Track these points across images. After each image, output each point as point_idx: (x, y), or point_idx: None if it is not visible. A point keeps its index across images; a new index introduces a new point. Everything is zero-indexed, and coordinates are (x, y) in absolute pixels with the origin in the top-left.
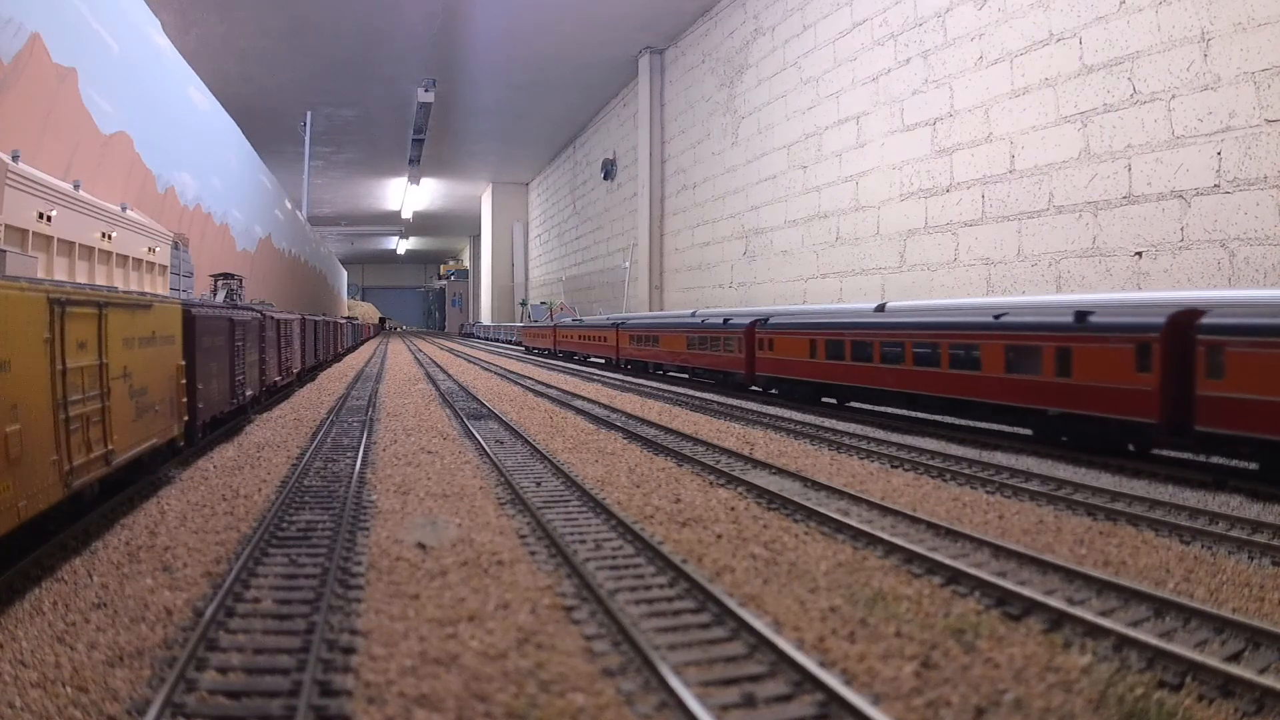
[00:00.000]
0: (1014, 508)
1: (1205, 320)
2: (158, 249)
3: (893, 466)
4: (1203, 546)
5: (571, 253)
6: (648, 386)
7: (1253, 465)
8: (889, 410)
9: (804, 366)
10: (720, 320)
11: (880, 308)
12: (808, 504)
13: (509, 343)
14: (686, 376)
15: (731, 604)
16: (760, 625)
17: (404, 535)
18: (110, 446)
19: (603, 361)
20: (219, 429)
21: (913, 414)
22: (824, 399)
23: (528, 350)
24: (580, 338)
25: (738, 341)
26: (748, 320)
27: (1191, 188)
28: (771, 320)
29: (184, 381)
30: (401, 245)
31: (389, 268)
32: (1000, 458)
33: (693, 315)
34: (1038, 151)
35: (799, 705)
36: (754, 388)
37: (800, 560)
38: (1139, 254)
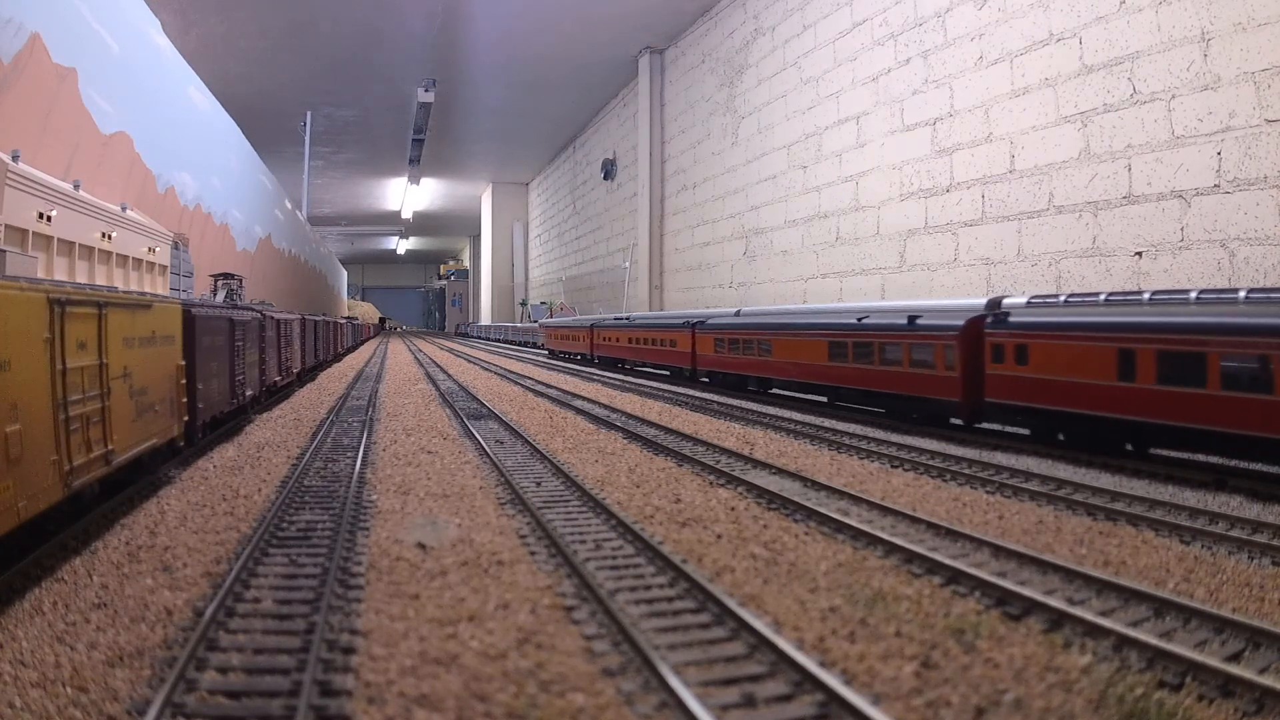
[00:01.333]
0: (1014, 508)
1: None
2: (158, 249)
3: (893, 466)
4: (1203, 546)
5: (571, 253)
6: (649, 387)
7: None
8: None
9: (1104, 394)
10: (902, 318)
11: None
12: (808, 504)
13: (516, 344)
14: (824, 400)
15: (731, 604)
16: (760, 625)
17: (404, 535)
18: (110, 446)
19: (667, 374)
20: (219, 429)
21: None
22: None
23: (552, 355)
24: (633, 341)
25: (942, 350)
26: (961, 317)
27: (1191, 188)
28: (1016, 316)
29: (184, 381)
30: (401, 245)
31: (389, 268)
32: (1000, 458)
33: (813, 310)
34: (1038, 151)
35: (799, 705)
36: (976, 422)
37: (800, 560)
38: (1139, 254)
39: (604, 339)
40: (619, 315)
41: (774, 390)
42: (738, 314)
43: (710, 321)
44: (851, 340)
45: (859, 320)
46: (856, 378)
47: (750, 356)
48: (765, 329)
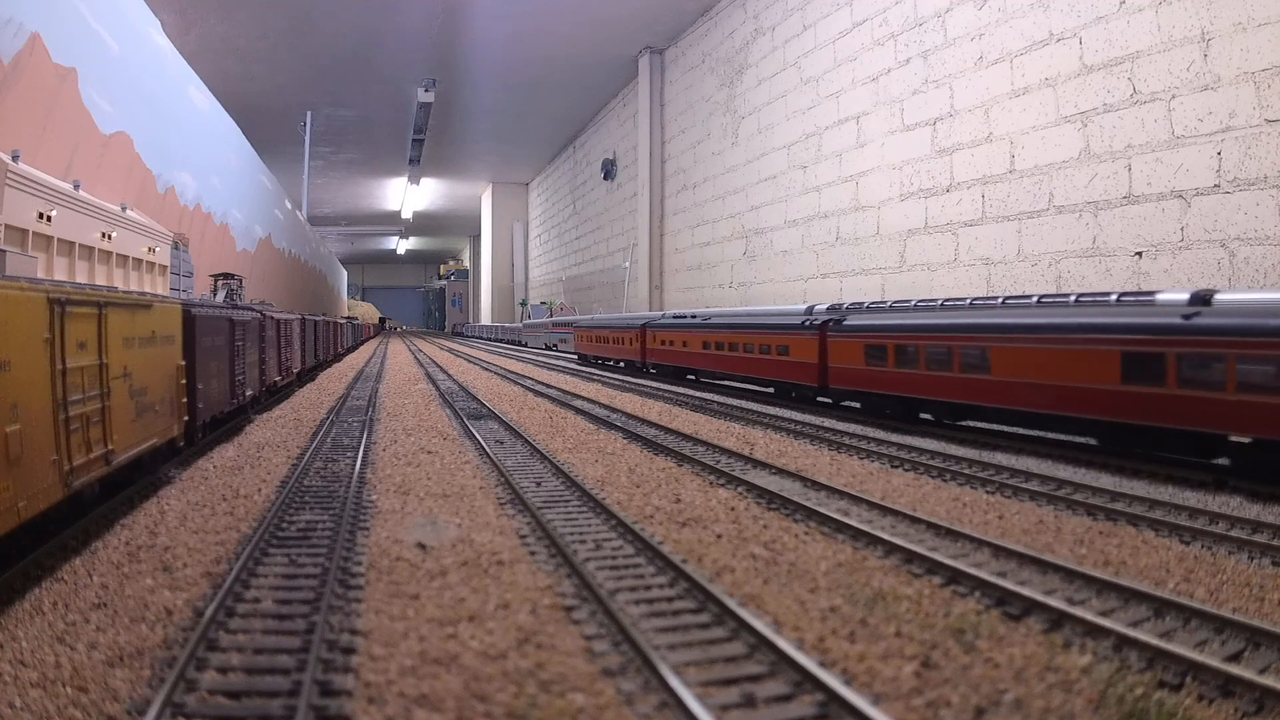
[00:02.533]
0: (1014, 508)
1: None
2: (158, 249)
3: (893, 466)
4: (1203, 546)
5: (571, 253)
6: (648, 387)
7: None
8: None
9: None
10: None
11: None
12: (808, 504)
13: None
14: (1095, 443)
15: (731, 604)
16: (760, 625)
17: (404, 535)
18: (110, 446)
19: (771, 390)
20: (219, 429)
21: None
22: None
23: (583, 360)
24: (711, 346)
25: None
26: None
27: (1191, 188)
28: None
29: (184, 381)
30: (401, 245)
31: (389, 268)
32: (1000, 458)
33: (1036, 300)
34: (1038, 151)
35: (799, 705)
36: None
37: (800, 560)
38: (1139, 254)
39: (662, 342)
40: (681, 313)
41: (968, 422)
42: (915, 306)
43: (850, 321)
44: (1174, 352)
45: (1186, 319)
46: (1183, 413)
47: (936, 373)
48: (977, 332)
